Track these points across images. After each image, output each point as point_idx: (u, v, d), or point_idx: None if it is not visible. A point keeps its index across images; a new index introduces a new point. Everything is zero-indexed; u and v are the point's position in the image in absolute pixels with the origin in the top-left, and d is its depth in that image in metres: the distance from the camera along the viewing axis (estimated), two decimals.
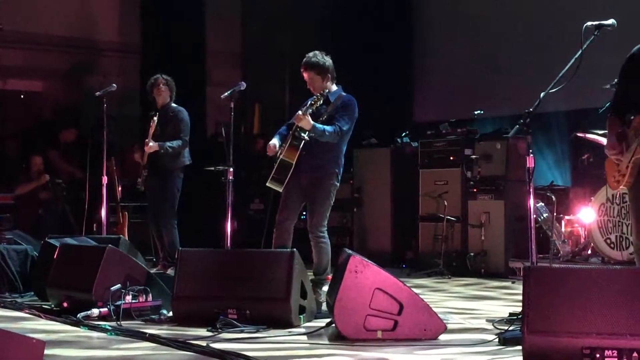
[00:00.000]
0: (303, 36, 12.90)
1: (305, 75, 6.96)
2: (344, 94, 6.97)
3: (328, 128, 6.69)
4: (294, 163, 6.68)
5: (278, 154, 6.82)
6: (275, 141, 6.95)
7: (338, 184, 6.97)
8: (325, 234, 6.93)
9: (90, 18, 14.17)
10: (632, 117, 5.29)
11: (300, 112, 6.64)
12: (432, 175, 10.24)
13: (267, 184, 6.89)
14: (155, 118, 8.82)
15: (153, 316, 6.00)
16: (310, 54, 6.98)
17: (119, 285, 6.02)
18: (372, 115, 11.93)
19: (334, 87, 6.99)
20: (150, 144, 8.77)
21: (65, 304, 6.34)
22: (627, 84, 5.40)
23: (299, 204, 7.01)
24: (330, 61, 6.98)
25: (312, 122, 6.61)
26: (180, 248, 6.36)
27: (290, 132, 6.82)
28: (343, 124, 6.77)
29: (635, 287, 4.19)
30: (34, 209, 11.74)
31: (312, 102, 6.73)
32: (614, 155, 5.38)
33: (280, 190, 6.87)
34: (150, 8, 13.34)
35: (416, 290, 5.56)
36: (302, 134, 6.64)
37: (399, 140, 11.15)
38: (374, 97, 12.30)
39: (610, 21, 5.51)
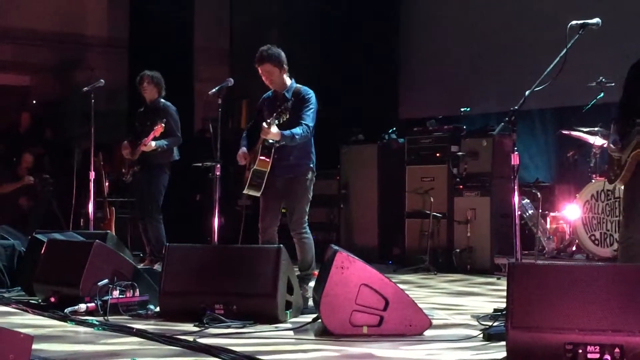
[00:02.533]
0: (291, 33, 12.92)
1: (261, 69, 6.90)
2: (298, 86, 6.94)
3: (297, 131, 6.66)
4: (268, 170, 6.72)
5: (249, 163, 6.86)
6: (244, 149, 6.99)
7: (314, 178, 7.00)
8: (307, 230, 6.95)
9: (79, 13, 14.16)
10: (636, 121, 5.50)
11: (265, 125, 6.57)
12: (419, 172, 10.29)
13: (244, 191, 6.93)
14: (161, 122, 8.75)
15: (140, 311, 6.02)
16: (264, 47, 6.95)
17: (106, 281, 6.03)
18: (360, 111, 12.01)
19: (288, 80, 6.97)
20: (153, 144, 8.75)
21: (52, 299, 6.34)
22: (631, 91, 5.63)
23: (279, 206, 7.03)
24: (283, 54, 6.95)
25: (278, 132, 6.58)
26: (167, 243, 6.38)
27: (258, 141, 6.79)
28: (309, 121, 6.77)
29: (618, 283, 4.24)
30: (18, 204, 11.74)
31: (277, 115, 6.61)
32: (615, 152, 5.62)
33: (259, 195, 6.89)
34: (138, 3, 13.33)
35: (402, 286, 5.60)
36: (272, 141, 6.64)
37: (385, 136, 11.19)
38: (361, 93, 12.37)
39: (595, 20, 5.57)
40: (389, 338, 5.11)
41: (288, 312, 5.84)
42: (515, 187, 5.65)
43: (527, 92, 5.57)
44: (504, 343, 4.39)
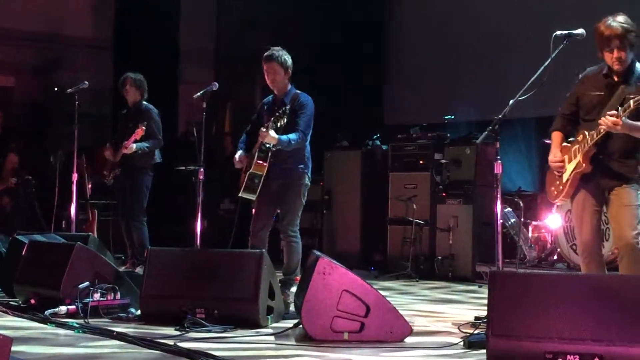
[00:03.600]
0: (276, 38, 12.87)
1: (268, 66, 6.94)
2: (297, 91, 7.01)
3: (292, 137, 6.75)
4: (264, 174, 6.76)
5: (246, 167, 6.89)
6: (240, 152, 7.03)
7: (309, 183, 7.05)
8: (297, 234, 6.99)
9: (64, 13, 14.10)
10: (577, 133, 5.53)
11: (263, 129, 6.68)
12: (402, 179, 10.30)
13: (240, 194, 6.94)
14: (142, 125, 8.73)
15: (121, 314, 6.01)
16: (276, 48, 7.01)
17: (87, 283, 6.02)
18: (344, 117, 12.02)
19: (289, 86, 7.04)
20: (134, 146, 8.73)
21: (32, 301, 6.33)
22: (574, 103, 5.63)
23: (273, 210, 7.07)
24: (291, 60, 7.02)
25: (276, 136, 6.65)
26: (149, 247, 6.37)
27: (255, 145, 6.86)
28: (305, 127, 6.86)
29: (598, 293, 4.26)
30: (0, 205, 11.69)
31: (275, 119, 6.70)
32: (556, 165, 5.63)
33: (254, 199, 6.92)
34: (123, 4, 13.31)
35: (384, 293, 5.61)
36: (268, 146, 6.71)
37: (369, 143, 11.20)
38: (346, 99, 12.39)
39: (580, 31, 5.59)
40: (369, 344, 5.12)
41: (269, 317, 5.85)
42: (498, 196, 5.68)
43: (511, 101, 5.60)
44: (484, 351, 4.41)
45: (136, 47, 12.55)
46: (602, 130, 5.27)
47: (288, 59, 6.96)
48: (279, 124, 6.68)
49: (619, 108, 5.17)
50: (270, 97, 7.16)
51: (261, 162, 6.75)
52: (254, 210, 7.07)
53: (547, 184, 5.86)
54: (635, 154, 5.44)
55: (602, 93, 5.45)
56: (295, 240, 6.95)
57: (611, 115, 5.15)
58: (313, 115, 6.97)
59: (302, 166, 6.95)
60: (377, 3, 13.41)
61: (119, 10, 13.39)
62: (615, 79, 5.42)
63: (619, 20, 5.31)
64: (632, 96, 5.17)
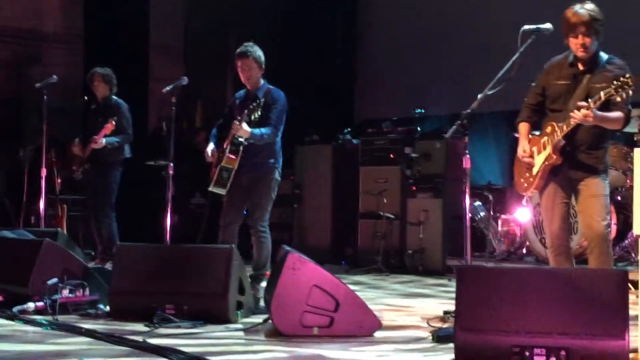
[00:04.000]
0: (246, 33, 12.85)
1: (242, 62, 6.94)
2: (270, 87, 7.04)
3: (265, 131, 6.78)
4: (235, 167, 6.77)
5: (217, 160, 6.90)
6: (212, 146, 7.01)
7: (279, 178, 7.06)
8: (267, 229, 6.99)
9: (34, 8, 13.97)
10: (544, 124, 5.60)
11: (237, 122, 6.69)
12: (373, 173, 10.33)
13: (210, 189, 6.95)
14: (112, 120, 8.68)
15: (90, 311, 5.97)
16: (249, 44, 7.01)
17: (55, 279, 5.97)
18: (315, 112, 12.02)
19: (262, 81, 7.06)
20: (103, 141, 8.69)
21: (0, 298, 6.28)
22: (540, 93, 5.70)
23: (243, 204, 7.06)
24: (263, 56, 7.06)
25: (249, 129, 6.67)
26: (118, 243, 6.34)
27: (227, 139, 6.87)
28: (277, 122, 6.90)
29: (564, 287, 4.29)
30: None
31: (249, 112, 6.72)
32: (526, 160, 5.66)
33: (224, 193, 6.91)
34: (93, 1, 13.22)
35: (354, 287, 5.64)
36: (240, 139, 6.73)
37: (340, 137, 11.21)
38: (317, 94, 12.38)
39: (548, 25, 5.62)
40: (339, 339, 5.13)
41: (239, 312, 5.84)
42: (467, 190, 5.71)
43: (479, 96, 5.62)
44: (452, 345, 4.42)
45: (106, 41, 12.48)
46: (572, 123, 5.31)
47: (261, 55, 6.98)
48: (252, 117, 6.69)
49: (589, 100, 5.21)
50: (242, 92, 7.16)
51: (232, 156, 6.76)
52: (224, 203, 7.06)
53: (515, 175, 5.88)
54: (602, 145, 5.49)
55: (568, 82, 5.52)
56: (264, 235, 6.95)
57: (582, 108, 5.19)
58: (285, 110, 6.99)
59: (272, 160, 6.97)
60: None
61: (89, 5, 13.30)
62: (581, 67, 5.48)
63: (586, 8, 5.37)
64: (598, 86, 5.22)
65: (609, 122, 5.33)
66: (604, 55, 5.48)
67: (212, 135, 7.18)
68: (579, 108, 5.21)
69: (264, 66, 7.00)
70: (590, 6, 5.39)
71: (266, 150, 6.91)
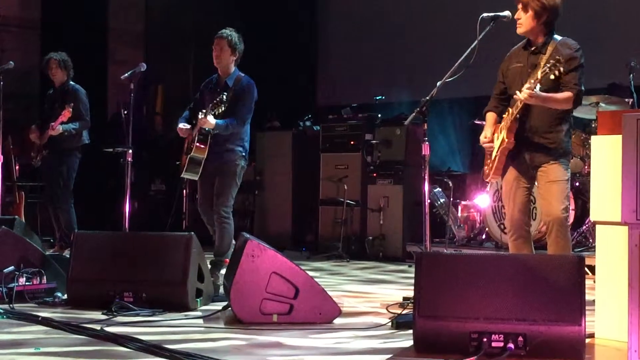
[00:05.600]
0: (207, 17, 12.82)
1: (217, 42, 7.02)
2: (241, 74, 7.07)
3: (231, 121, 6.83)
4: (204, 156, 6.84)
5: (186, 149, 6.97)
6: (184, 123, 7.04)
7: (245, 165, 7.10)
8: (230, 215, 7.01)
9: None
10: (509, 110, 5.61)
11: (201, 116, 6.73)
12: (333, 160, 10.35)
13: (182, 175, 7.04)
14: (69, 107, 8.58)
15: (47, 299, 5.91)
16: (230, 29, 7.11)
17: (12, 267, 5.92)
18: (276, 98, 11.97)
19: (233, 68, 7.08)
20: (60, 128, 8.60)
21: None
22: (502, 81, 5.77)
23: (213, 192, 7.06)
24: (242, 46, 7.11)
25: (214, 121, 6.71)
26: (76, 230, 6.28)
27: (195, 128, 6.89)
28: (245, 112, 6.94)
29: (521, 273, 4.32)
30: None
31: (213, 106, 6.74)
32: (486, 145, 5.71)
33: (197, 179, 7.03)
34: None
35: (315, 274, 5.64)
36: (208, 130, 6.78)
37: (301, 124, 11.20)
38: (277, 80, 12.32)
39: (506, 13, 5.65)
40: (298, 326, 5.12)
41: (198, 300, 5.82)
42: (426, 177, 5.73)
43: (438, 83, 5.64)
44: (412, 331, 4.44)
45: (64, 26, 12.35)
46: (519, 104, 5.38)
47: (238, 42, 7.04)
48: (217, 112, 6.73)
49: (531, 80, 5.27)
50: (214, 77, 7.19)
51: (201, 145, 6.82)
52: (198, 193, 7.19)
53: (484, 165, 5.91)
54: (559, 127, 5.53)
55: (521, 64, 5.61)
56: (227, 222, 6.95)
57: (526, 88, 5.25)
58: (254, 100, 7.04)
59: (239, 148, 7.01)
60: None
61: None
62: (533, 49, 5.58)
63: None
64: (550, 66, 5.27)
65: (556, 102, 5.40)
66: (557, 37, 5.56)
67: (181, 117, 7.18)
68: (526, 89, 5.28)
69: (238, 53, 7.04)
70: None
71: (233, 138, 6.95)
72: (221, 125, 6.76)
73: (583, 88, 5.45)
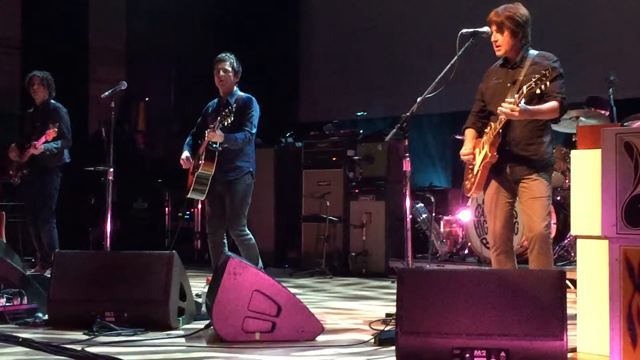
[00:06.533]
0: (187, 34, 12.84)
1: (220, 66, 7.22)
2: (241, 93, 7.27)
3: (239, 135, 6.98)
4: (212, 173, 6.95)
5: (193, 168, 7.08)
6: (186, 153, 7.19)
7: (252, 182, 7.24)
8: (247, 231, 7.18)
9: None
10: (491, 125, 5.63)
11: (209, 131, 6.84)
12: (315, 176, 10.34)
13: (189, 196, 7.15)
14: (54, 127, 8.55)
15: (28, 319, 5.87)
16: (227, 53, 7.34)
17: None
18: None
19: (235, 88, 7.32)
20: (42, 147, 8.57)
21: None
22: (481, 99, 5.80)
23: (223, 210, 7.19)
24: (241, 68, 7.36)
25: (222, 134, 6.83)
26: (57, 249, 6.25)
27: (202, 146, 7.01)
28: (251, 127, 7.09)
29: (503, 288, 4.33)
30: None
31: (221, 118, 6.83)
32: (467, 159, 5.73)
33: (202, 199, 7.15)
34: (31, 1, 13.03)
35: (297, 291, 5.63)
36: (215, 145, 6.89)
37: (283, 140, 11.20)
38: (259, 96, 12.26)
39: (485, 29, 5.67)
40: (281, 344, 5.10)
41: (180, 318, 5.79)
42: (407, 193, 5.74)
43: (419, 99, 5.65)
44: (395, 348, 4.43)
45: (45, 45, 12.32)
46: (502, 119, 5.39)
47: (238, 65, 7.31)
48: (225, 123, 6.83)
49: (515, 95, 5.29)
50: (215, 100, 7.37)
51: (208, 162, 6.94)
52: (207, 212, 7.31)
53: (464, 180, 5.93)
54: (540, 139, 5.55)
55: (500, 81, 5.63)
56: (247, 237, 7.14)
57: (509, 103, 5.27)
58: (258, 115, 7.21)
59: (246, 164, 7.17)
60: (291, 1, 13.41)
61: (27, 9, 13.10)
62: (511, 64, 5.61)
63: (505, 7, 5.54)
64: (530, 80, 5.29)
65: (543, 113, 5.42)
66: (533, 52, 5.59)
67: (185, 144, 7.33)
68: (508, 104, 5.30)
69: (239, 75, 7.29)
70: (511, 7, 5.56)
71: (240, 155, 7.10)
72: (230, 138, 6.90)
73: (565, 96, 5.48)
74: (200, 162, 6.96)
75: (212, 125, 6.88)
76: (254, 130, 7.14)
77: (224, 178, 7.03)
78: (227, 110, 6.82)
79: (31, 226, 9.02)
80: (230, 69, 7.22)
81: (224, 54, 7.31)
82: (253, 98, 7.23)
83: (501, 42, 5.53)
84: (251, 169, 7.20)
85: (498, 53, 5.60)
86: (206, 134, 6.89)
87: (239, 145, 7.01)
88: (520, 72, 5.51)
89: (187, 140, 7.35)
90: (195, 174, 6.97)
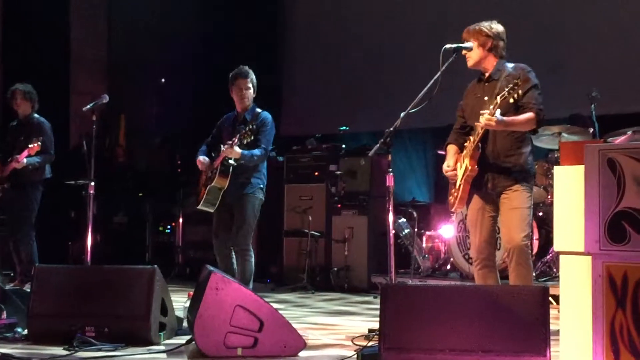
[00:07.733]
0: (169, 47, 12.81)
1: (242, 82, 7.28)
2: (258, 110, 7.29)
3: (256, 152, 7.03)
4: (225, 187, 7.00)
5: (206, 180, 7.12)
6: (203, 156, 7.24)
7: (263, 198, 7.29)
8: (251, 248, 7.17)
9: None
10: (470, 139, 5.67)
11: (227, 147, 6.87)
12: (297, 190, 10.32)
13: (199, 207, 7.19)
14: (38, 142, 8.49)
15: (7, 334, 5.80)
16: (248, 68, 7.39)
17: None
18: None
19: (252, 104, 7.35)
20: (25, 161, 8.52)
21: None
22: (462, 115, 5.89)
23: (230, 223, 7.19)
24: None
25: (240, 151, 6.89)
26: (37, 264, 6.19)
27: (217, 160, 7.05)
28: (267, 144, 7.17)
29: (486, 304, 4.32)
30: None
31: (241, 136, 6.87)
32: (449, 173, 5.77)
33: (212, 211, 7.17)
34: (12, 13, 12.97)
35: (279, 306, 5.60)
36: (230, 161, 6.94)
37: None
38: None
39: (469, 44, 5.70)
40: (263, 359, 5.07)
41: (162, 334, 5.74)
42: (390, 208, 5.73)
43: (402, 114, 5.66)
44: None
45: (25, 57, 12.26)
46: (479, 131, 5.42)
47: (256, 80, 7.36)
48: (244, 141, 6.89)
49: (491, 106, 5.32)
50: (231, 113, 7.40)
51: (222, 176, 6.99)
52: (214, 223, 7.31)
53: (448, 195, 5.94)
54: (520, 150, 5.59)
55: (478, 95, 5.70)
56: (249, 255, 7.12)
57: (487, 114, 5.29)
58: (274, 132, 7.29)
59: (258, 181, 7.21)
60: (272, 14, 13.41)
61: (7, 20, 13.04)
62: (486, 78, 5.69)
63: (480, 23, 5.69)
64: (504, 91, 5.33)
65: (519, 124, 5.47)
66: (509, 64, 5.67)
67: (200, 150, 7.36)
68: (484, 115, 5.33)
69: (256, 90, 7.34)
70: (485, 23, 5.68)
71: (252, 170, 7.13)
72: (246, 155, 6.93)
73: (542, 107, 5.51)
74: (215, 175, 7.00)
75: (230, 142, 6.90)
76: (270, 147, 7.23)
77: (236, 192, 7.07)
78: (247, 129, 6.87)
79: (10, 240, 8.95)
80: (251, 85, 7.29)
81: (244, 69, 7.37)
82: (270, 115, 7.28)
83: (470, 53, 5.65)
84: (262, 185, 7.25)
85: (469, 64, 5.72)
86: (223, 149, 6.93)
87: (256, 162, 7.07)
88: (496, 84, 5.59)
89: (202, 148, 7.38)
90: (208, 187, 7.02)
